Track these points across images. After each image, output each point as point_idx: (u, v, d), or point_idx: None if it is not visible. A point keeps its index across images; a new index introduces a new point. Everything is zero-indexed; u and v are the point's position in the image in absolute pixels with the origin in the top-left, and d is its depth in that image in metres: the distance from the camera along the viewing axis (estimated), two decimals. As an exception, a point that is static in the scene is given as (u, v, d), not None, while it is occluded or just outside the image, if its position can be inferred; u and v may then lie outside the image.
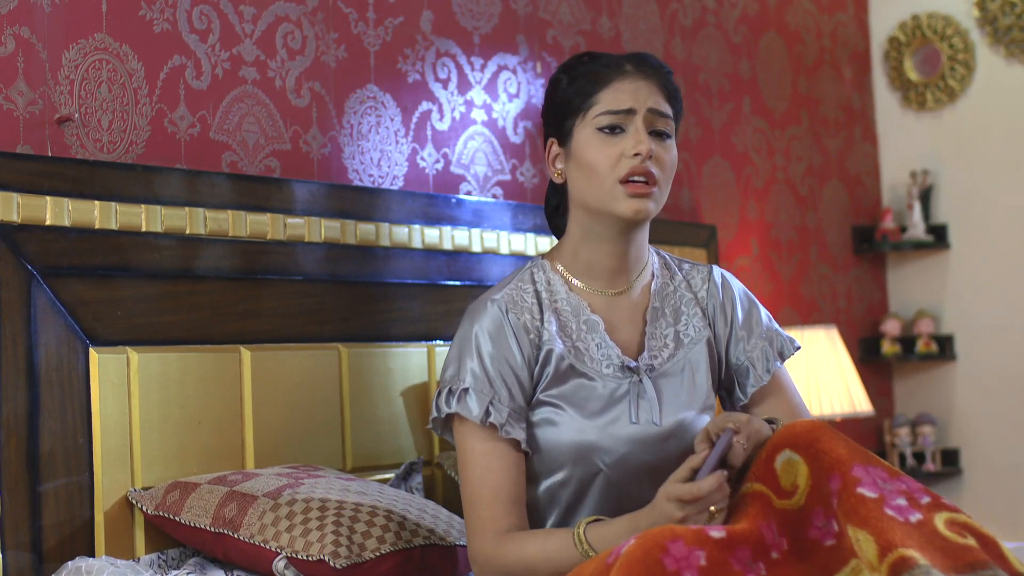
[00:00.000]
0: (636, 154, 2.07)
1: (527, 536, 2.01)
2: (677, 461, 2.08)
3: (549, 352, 2.09)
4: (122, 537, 2.32)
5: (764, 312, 2.26)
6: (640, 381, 2.11)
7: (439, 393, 2.09)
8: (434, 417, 2.10)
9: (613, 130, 2.09)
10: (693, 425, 2.12)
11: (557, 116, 2.17)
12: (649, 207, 2.09)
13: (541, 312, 2.12)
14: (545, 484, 2.10)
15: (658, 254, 2.25)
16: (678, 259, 2.28)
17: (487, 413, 2.03)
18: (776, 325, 2.26)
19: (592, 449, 2.06)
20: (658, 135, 2.11)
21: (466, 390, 2.05)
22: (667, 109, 2.13)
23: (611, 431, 2.07)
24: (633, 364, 2.11)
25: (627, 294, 2.17)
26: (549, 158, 2.19)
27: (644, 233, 2.17)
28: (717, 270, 2.26)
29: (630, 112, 2.09)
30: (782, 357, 2.23)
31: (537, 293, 2.14)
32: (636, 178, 2.07)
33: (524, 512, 2.07)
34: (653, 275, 2.21)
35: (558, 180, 2.18)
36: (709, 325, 2.21)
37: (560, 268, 2.17)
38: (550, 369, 2.09)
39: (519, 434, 2.05)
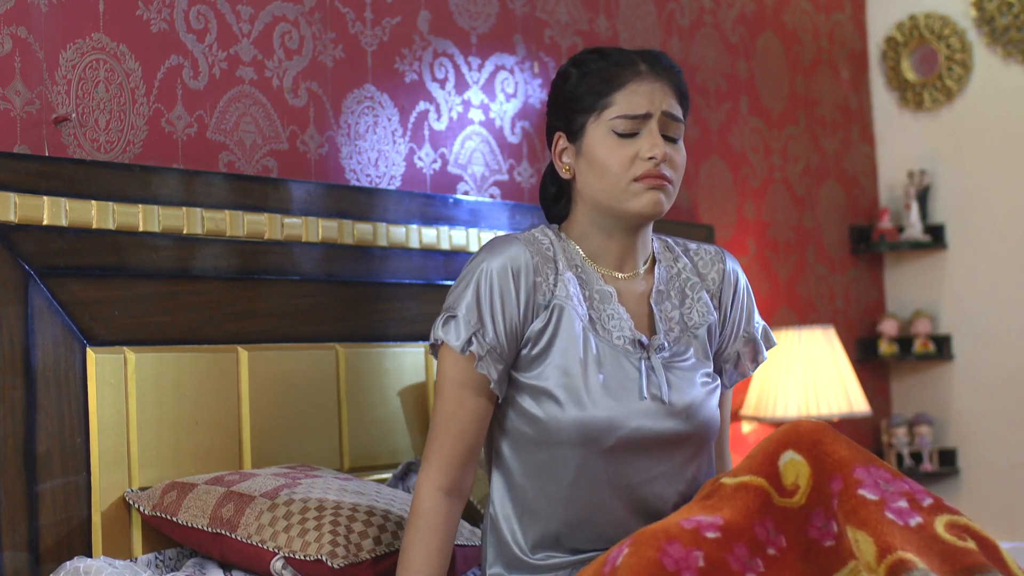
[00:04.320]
0: (650, 157, 2.08)
1: (430, 532, 2.05)
2: (684, 439, 2.11)
3: (562, 310, 2.09)
4: (119, 537, 2.32)
5: (757, 315, 2.30)
6: (649, 358, 2.11)
7: (436, 320, 2.11)
8: (431, 343, 2.11)
9: (627, 134, 2.10)
10: (702, 405, 2.13)
11: (566, 111, 2.16)
12: (664, 203, 2.10)
13: (556, 264, 2.12)
14: (547, 454, 2.09)
15: (659, 238, 2.26)
16: (682, 241, 2.28)
17: (469, 343, 2.05)
18: (759, 332, 2.28)
19: (600, 422, 2.05)
20: (668, 139, 2.12)
21: (454, 317, 2.07)
22: (679, 112, 2.14)
23: (621, 405, 2.07)
24: (645, 340, 2.12)
25: (632, 279, 2.18)
26: (556, 151, 2.18)
27: (650, 226, 2.19)
28: (730, 260, 2.28)
29: (646, 117, 2.10)
30: (755, 363, 2.28)
31: (554, 246, 2.15)
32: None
33: (471, 473, 2.10)
34: (656, 259, 2.22)
35: (566, 175, 2.18)
36: (717, 308, 2.23)
37: (573, 241, 2.18)
38: (564, 332, 2.08)
39: (493, 373, 2.06)
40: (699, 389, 2.14)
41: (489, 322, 2.06)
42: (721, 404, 2.28)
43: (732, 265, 2.28)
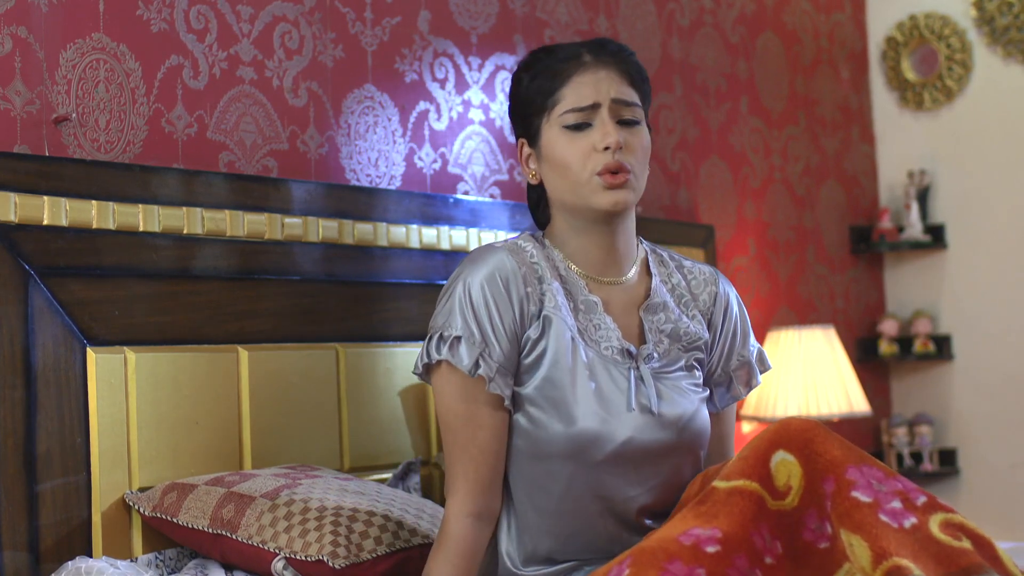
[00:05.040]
0: (606, 147, 2.05)
1: (458, 556, 2.02)
2: (674, 450, 2.09)
3: (551, 321, 2.06)
4: (119, 537, 2.32)
5: (752, 339, 2.27)
6: (638, 368, 2.09)
7: (429, 338, 2.05)
8: (424, 363, 2.06)
9: (580, 127, 2.08)
10: (693, 416, 2.11)
11: (523, 116, 2.14)
12: (628, 197, 2.07)
13: (541, 274, 2.09)
14: (539, 468, 2.07)
15: (653, 251, 2.24)
16: (677, 256, 2.26)
17: (476, 365, 2.01)
18: (754, 355, 2.26)
19: (589, 438, 2.04)
20: (626, 123, 2.09)
21: (458, 338, 2.02)
22: (631, 96, 2.10)
23: (611, 416, 2.05)
24: (633, 350, 2.10)
25: (620, 285, 2.15)
26: (522, 159, 2.17)
27: (630, 224, 2.15)
28: (723, 282, 2.25)
29: (594, 107, 2.07)
30: (749, 387, 2.26)
31: (537, 254, 2.11)
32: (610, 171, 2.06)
33: (499, 492, 2.07)
34: (649, 271, 2.19)
35: (533, 181, 2.16)
36: (707, 327, 2.21)
37: (556, 248, 2.16)
38: (553, 343, 2.05)
39: (507, 390, 2.03)
40: (690, 399, 2.12)
41: (492, 337, 2.02)
42: (723, 423, 2.26)
43: (725, 287, 2.24)
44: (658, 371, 2.11)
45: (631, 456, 2.05)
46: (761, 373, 2.27)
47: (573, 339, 2.07)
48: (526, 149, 2.16)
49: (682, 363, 2.15)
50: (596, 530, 2.07)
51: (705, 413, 2.15)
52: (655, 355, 2.12)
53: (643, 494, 2.08)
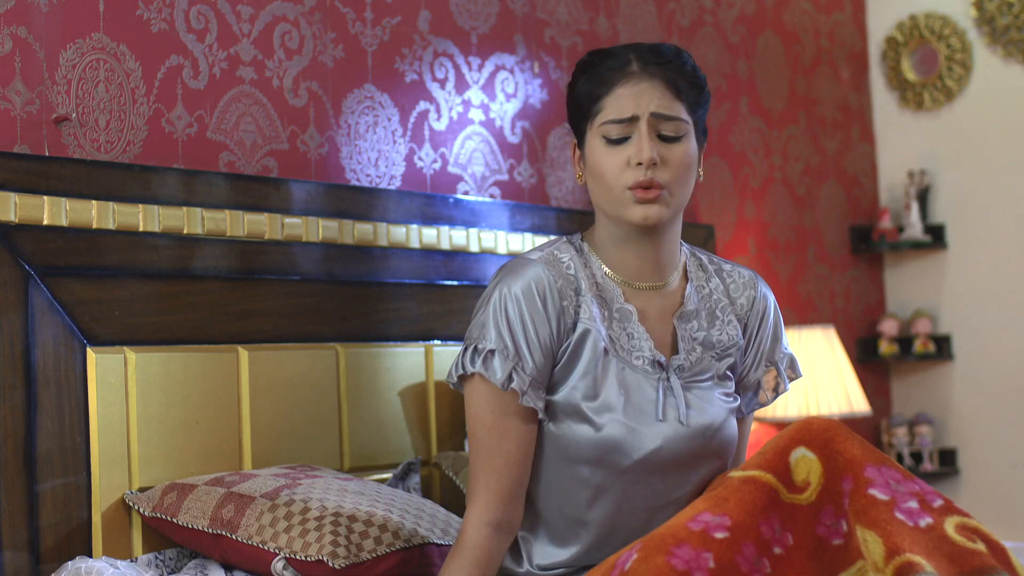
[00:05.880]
0: (639, 163, 2.03)
1: (473, 565, 2.02)
2: (703, 459, 2.08)
3: (586, 332, 2.06)
4: (119, 537, 2.32)
5: (784, 344, 2.25)
6: (668, 379, 2.09)
7: (464, 350, 2.05)
8: (459, 374, 2.06)
9: (619, 140, 2.06)
10: (722, 428, 2.10)
11: (573, 118, 2.14)
12: (660, 212, 2.05)
13: (578, 284, 2.08)
14: (565, 475, 2.07)
15: (693, 254, 2.22)
16: (717, 260, 2.23)
17: (509, 379, 2.01)
18: (785, 362, 2.24)
19: (617, 444, 2.04)
20: (666, 139, 2.06)
21: (492, 352, 2.02)
22: (674, 110, 2.06)
23: (639, 425, 2.04)
24: (664, 361, 2.09)
25: (659, 291, 2.13)
26: (574, 160, 2.17)
27: (673, 233, 2.13)
28: (762, 286, 2.23)
29: (633, 120, 2.05)
30: (776, 393, 2.24)
31: (574, 264, 2.11)
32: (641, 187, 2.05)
33: (520, 505, 2.07)
34: (687, 277, 2.17)
35: (580, 182, 2.16)
36: (743, 331, 2.19)
37: (595, 253, 2.15)
38: (587, 354, 2.05)
39: (540, 403, 2.03)
40: (718, 408, 2.11)
41: (526, 351, 2.02)
42: (741, 429, 2.25)
43: (764, 291, 2.22)
44: (688, 380, 2.10)
45: (659, 465, 2.05)
46: (791, 380, 2.25)
47: (605, 350, 2.07)
48: (577, 151, 2.15)
49: (713, 372, 2.13)
50: (623, 540, 2.06)
51: (733, 423, 2.14)
52: (686, 365, 2.11)
53: (670, 505, 2.07)
